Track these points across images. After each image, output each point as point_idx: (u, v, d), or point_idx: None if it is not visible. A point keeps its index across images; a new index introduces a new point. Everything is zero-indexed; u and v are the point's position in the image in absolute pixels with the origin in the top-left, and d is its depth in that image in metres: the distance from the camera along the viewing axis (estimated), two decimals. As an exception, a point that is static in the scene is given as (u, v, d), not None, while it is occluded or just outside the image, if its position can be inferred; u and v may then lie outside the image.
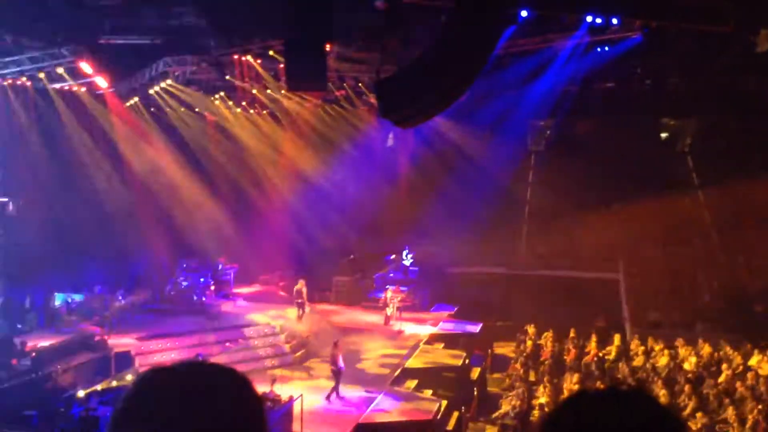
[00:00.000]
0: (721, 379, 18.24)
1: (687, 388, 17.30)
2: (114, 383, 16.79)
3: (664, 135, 29.23)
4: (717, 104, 23.12)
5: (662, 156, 27.70)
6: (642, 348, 21.20)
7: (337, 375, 17.12)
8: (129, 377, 17.32)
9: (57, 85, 20.22)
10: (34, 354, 17.01)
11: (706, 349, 20.49)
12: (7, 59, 18.51)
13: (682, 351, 20.65)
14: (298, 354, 20.90)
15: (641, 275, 26.45)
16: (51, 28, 16.58)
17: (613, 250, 27.48)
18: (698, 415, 15.50)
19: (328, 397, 16.92)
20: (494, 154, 27.38)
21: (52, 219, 21.10)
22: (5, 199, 20.13)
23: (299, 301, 23.03)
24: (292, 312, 23.15)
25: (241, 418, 1.42)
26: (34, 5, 15.51)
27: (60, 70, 18.92)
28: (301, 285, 23.15)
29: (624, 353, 21.22)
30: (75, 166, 22.31)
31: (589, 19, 16.01)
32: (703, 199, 27.74)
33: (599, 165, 26.27)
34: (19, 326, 19.45)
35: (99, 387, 16.53)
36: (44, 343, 18.04)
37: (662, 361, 20.13)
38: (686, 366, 19.57)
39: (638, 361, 20.40)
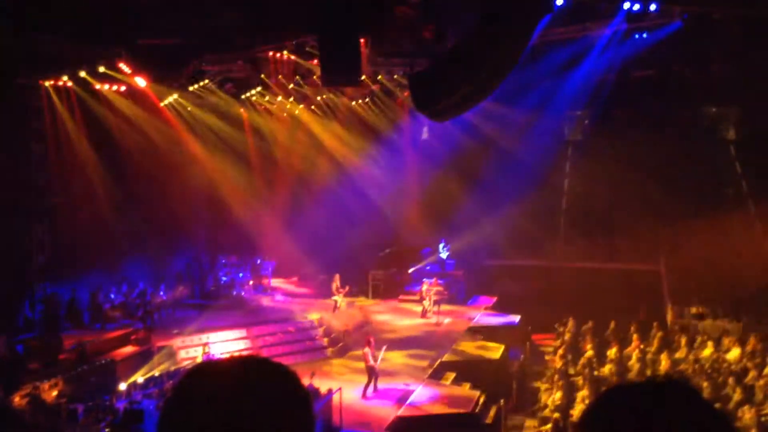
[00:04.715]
0: (767, 371, 17.84)
1: (731, 380, 16.98)
2: (157, 374, 17.11)
3: (705, 123, 28.59)
4: (761, 91, 22.52)
5: (704, 145, 27.12)
6: (684, 340, 20.86)
7: (371, 372, 17.13)
8: (172, 369, 17.63)
9: (98, 86, 20.60)
10: (79, 349, 17.42)
11: (750, 341, 20.06)
12: (49, 60, 18.91)
13: (726, 342, 20.27)
14: (336, 348, 21.04)
15: (683, 266, 25.96)
16: (90, 29, 16.88)
17: (654, 241, 27.04)
18: (744, 407, 15.20)
19: (363, 395, 16.97)
20: (531, 144, 27.11)
21: (96, 217, 21.54)
22: (51, 198, 20.60)
23: (335, 295, 23.20)
24: (329, 306, 23.31)
25: (291, 412, 1.44)
26: (73, 6, 15.81)
27: (101, 70, 19.26)
28: (337, 279, 23.29)
29: (666, 345, 20.90)
30: (119, 165, 22.70)
31: (626, 5, 15.78)
32: (746, 188, 27.11)
33: (638, 154, 25.83)
34: (65, 322, 19.94)
35: (141, 376, 16.87)
36: (89, 338, 18.47)
37: (705, 353, 19.77)
38: (730, 357, 19.20)
39: (681, 353, 20.08)
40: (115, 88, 21.11)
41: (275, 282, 27.10)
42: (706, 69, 21.80)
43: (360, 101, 26.82)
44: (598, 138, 27.19)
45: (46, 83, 19.96)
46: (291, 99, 25.55)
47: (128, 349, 18.46)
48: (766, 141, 24.61)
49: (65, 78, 19.85)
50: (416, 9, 14.20)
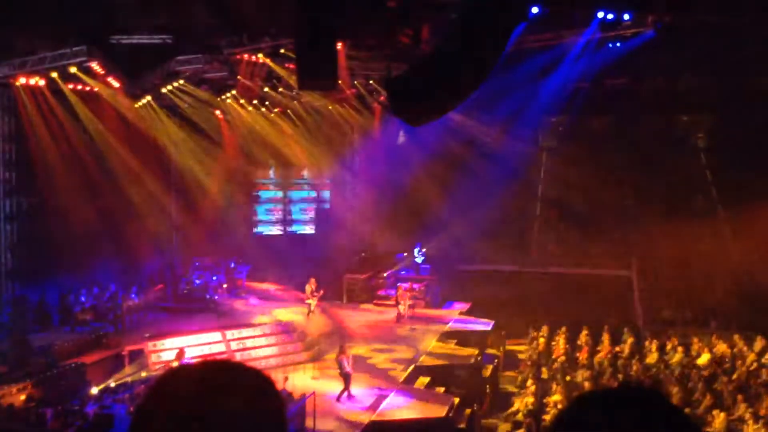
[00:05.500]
0: (735, 375, 18.12)
1: (701, 385, 17.21)
2: (129, 379, 16.90)
3: (677, 131, 29.05)
4: (731, 100, 22.94)
5: (675, 152, 27.53)
6: (655, 345, 21.11)
7: (345, 378, 17.08)
8: (144, 374, 17.42)
9: (70, 85, 20.33)
10: (48, 352, 17.15)
11: (719, 346, 20.37)
12: (19, 59, 18.64)
13: (696, 348, 20.55)
14: (310, 352, 20.94)
15: (654, 272, 26.31)
16: (63, 28, 16.68)
17: (626, 247, 27.37)
18: (714, 412, 15.41)
19: (338, 399, 16.93)
20: (506, 150, 27.31)
21: (66, 218, 21.23)
22: (20, 199, 20.29)
23: (309, 299, 23.08)
24: (303, 310, 23.21)
25: (263, 416, 1.43)
26: (45, 5, 15.61)
27: (72, 70, 19.00)
28: (312, 283, 23.19)
29: (637, 351, 21.13)
30: (89, 166, 22.40)
31: (600, 14, 15.95)
32: (716, 195, 27.57)
33: (612, 161, 26.16)
34: (34, 325, 19.61)
35: (113, 382, 16.64)
36: (59, 341, 18.18)
37: (675, 358, 20.03)
38: (700, 363, 19.47)
39: (651, 359, 20.30)
40: (87, 89, 20.84)
41: (249, 285, 26.91)
42: (679, 78, 22.15)
43: (336, 105, 26.79)
44: (572, 145, 27.47)
45: (17, 83, 19.65)
46: (266, 102, 25.45)
47: (99, 353, 18.20)
48: (735, 149, 25.05)
49: (37, 78, 19.57)
50: (394, 14, 14.23)
